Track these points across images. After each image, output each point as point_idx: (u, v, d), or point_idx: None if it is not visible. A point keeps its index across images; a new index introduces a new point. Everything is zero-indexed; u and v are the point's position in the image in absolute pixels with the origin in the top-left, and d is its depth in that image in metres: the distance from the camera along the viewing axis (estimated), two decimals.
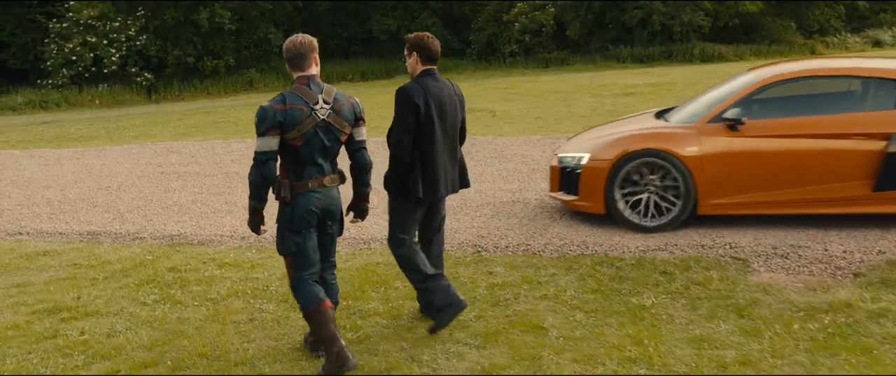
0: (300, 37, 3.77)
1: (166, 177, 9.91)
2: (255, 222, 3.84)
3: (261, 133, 3.64)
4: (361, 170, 3.97)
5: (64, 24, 27.44)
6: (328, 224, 3.89)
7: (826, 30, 32.95)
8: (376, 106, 14.56)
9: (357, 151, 3.94)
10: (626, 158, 5.84)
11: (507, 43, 32.37)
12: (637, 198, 5.89)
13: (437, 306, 4.18)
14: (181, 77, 29.19)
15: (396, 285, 5.08)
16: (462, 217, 6.62)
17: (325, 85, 3.79)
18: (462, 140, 4.43)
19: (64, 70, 27.11)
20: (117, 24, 28.10)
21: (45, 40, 27.88)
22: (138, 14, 28.72)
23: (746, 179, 5.64)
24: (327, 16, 35.26)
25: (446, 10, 36.12)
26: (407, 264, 4.29)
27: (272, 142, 3.64)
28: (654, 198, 5.85)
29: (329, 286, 4.03)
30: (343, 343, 3.73)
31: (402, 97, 4.10)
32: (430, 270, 4.26)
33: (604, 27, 31.46)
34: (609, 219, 6.16)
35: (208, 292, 5.24)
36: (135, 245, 6.70)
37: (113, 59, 27.57)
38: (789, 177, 5.56)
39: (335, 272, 4.12)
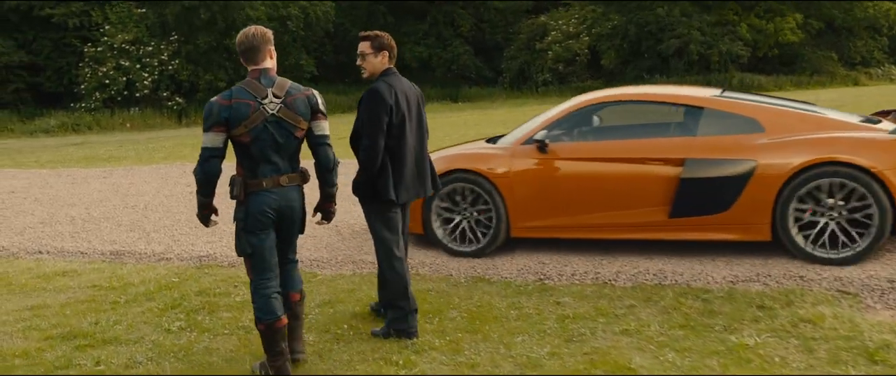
0: (254, 28, 3.63)
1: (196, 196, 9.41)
2: (203, 216, 3.75)
3: (206, 129, 3.54)
4: (325, 167, 3.74)
5: (98, 48, 27.54)
6: (285, 225, 3.70)
7: (868, 61, 32.09)
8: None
9: (318, 146, 3.71)
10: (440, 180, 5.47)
11: (540, 71, 31.91)
12: (454, 223, 5.84)
13: (396, 328, 4.11)
14: None
15: (451, 315, 4.48)
16: (520, 241, 6.01)
17: (279, 78, 3.61)
18: (426, 139, 4.32)
19: (97, 93, 27.16)
20: (150, 48, 28.15)
21: (80, 64, 27.99)
22: (172, 39, 28.77)
23: (553, 202, 5.57)
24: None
25: (478, 37, 35.85)
26: (396, 286, 4.10)
27: (216, 139, 3.51)
28: (469, 222, 5.79)
29: (291, 279, 3.87)
30: (288, 356, 3.68)
31: (374, 97, 3.96)
32: (413, 305, 4.12)
33: (639, 56, 30.90)
34: (687, 245, 5.53)
35: (239, 319, 4.68)
36: (160, 266, 6.18)
37: (145, 82, 27.57)
38: (592, 202, 5.50)
39: (297, 266, 3.95)
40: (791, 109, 5.47)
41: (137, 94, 27.69)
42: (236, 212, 3.65)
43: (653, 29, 29.85)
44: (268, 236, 3.62)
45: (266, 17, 29.94)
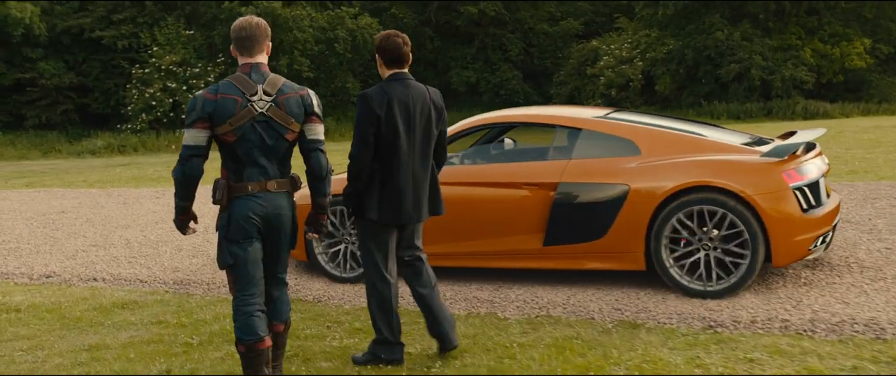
0: (255, 18, 3.37)
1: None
2: (181, 221, 3.44)
3: (188, 124, 3.25)
4: (316, 175, 3.43)
5: (146, 70, 27.35)
6: (273, 236, 3.37)
7: None
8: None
9: (310, 152, 3.41)
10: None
11: (592, 97, 30.91)
12: (335, 248, 5.59)
13: (383, 355, 3.78)
14: None
15: (617, 373, 3.53)
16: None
17: (272, 75, 3.34)
18: (440, 158, 3.92)
19: (143, 115, 26.93)
20: (197, 69, 27.90)
21: (127, 86, 27.83)
22: (218, 60, 28.50)
23: (434, 228, 5.03)
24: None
25: (526, 62, 35.08)
26: (376, 308, 3.76)
27: (199, 136, 3.23)
28: (350, 247, 5.52)
29: (277, 303, 3.51)
30: None
31: (361, 104, 3.59)
32: (396, 336, 3.77)
33: (696, 82, 29.76)
34: None
35: (342, 371, 3.79)
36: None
37: None
38: (468, 228, 5.19)
39: (286, 288, 3.57)
40: (669, 131, 5.11)
41: (183, 116, 27.38)
42: (219, 219, 3.36)
43: (711, 53, 28.74)
44: (252, 246, 3.32)
45: (313, 39, 29.64)
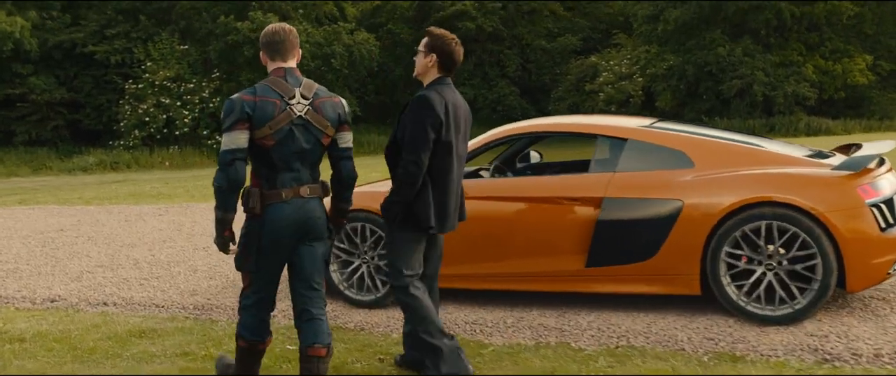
0: (286, 25, 3.35)
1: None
2: (223, 240, 3.27)
3: (227, 127, 3.12)
4: (345, 183, 3.43)
5: (139, 86, 26.82)
6: (307, 242, 3.29)
7: None
8: None
9: (341, 159, 3.39)
10: None
11: (591, 113, 30.63)
12: (350, 268, 5.13)
13: (447, 373, 3.45)
14: None
15: None
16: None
17: (306, 79, 3.28)
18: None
19: (136, 131, 26.40)
20: (191, 85, 27.39)
21: (120, 101, 27.26)
22: (213, 76, 28.00)
23: (463, 247, 4.74)
24: (401, 82, 34.24)
25: (524, 78, 34.81)
26: (417, 311, 3.52)
27: (240, 138, 3.11)
28: (369, 267, 5.05)
29: (316, 322, 3.32)
30: None
31: (423, 106, 3.43)
32: (442, 325, 3.56)
33: (697, 98, 29.56)
34: None
35: None
36: None
37: (185, 120, 26.75)
38: (500, 247, 4.76)
39: (324, 305, 3.39)
40: (725, 141, 4.66)
41: (177, 133, 26.91)
42: (249, 225, 3.24)
43: (712, 69, 28.56)
44: (280, 260, 3.27)
45: (309, 54, 29.16)
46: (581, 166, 5.10)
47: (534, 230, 4.66)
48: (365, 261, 5.10)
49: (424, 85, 3.61)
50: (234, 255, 3.33)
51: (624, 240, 4.41)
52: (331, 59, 29.39)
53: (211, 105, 27.40)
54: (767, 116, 27.82)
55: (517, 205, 4.76)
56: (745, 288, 4.20)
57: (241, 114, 3.12)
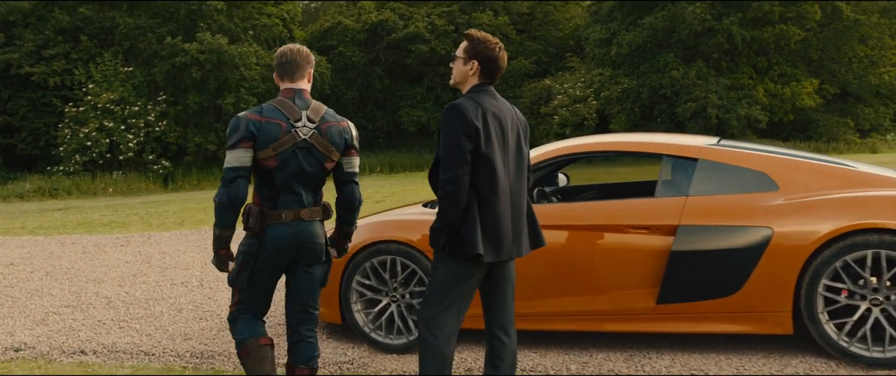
0: (299, 45, 3.34)
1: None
2: (221, 258, 3.27)
3: (231, 145, 3.15)
4: (349, 207, 3.41)
5: (81, 108, 25.47)
6: (303, 264, 3.29)
7: (877, 129, 31.50)
8: (404, 199, 12.96)
9: (346, 184, 3.39)
10: (361, 253, 4.55)
11: (545, 136, 30.54)
12: (378, 307, 4.56)
13: None
14: (200, 165, 27.13)
15: None
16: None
17: (315, 102, 3.29)
18: (529, 184, 3.36)
19: (77, 156, 24.97)
20: (136, 108, 26.17)
21: (59, 125, 25.83)
22: (159, 98, 26.86)
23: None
24: (353, 105, 33.64)
25: None
26: (424, 355, 3.09)
27: (244, 157, 3.13)
28: (399, 307, 4.53)
29: (304, 344, 3.35)
30: None
31: (454, 114, 3.05)
32: None
33: (652, 120, 29.77)
34: None
35: None
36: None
37: (130, 145, 25.51)
38: (556, 282, 4.25)
39: (316, 328, 3.40)
40: (810, 161, 4.26)
41: (121, 158, 25.64)
42: (246, 243, 3.24)
43: (667, 92, 28.85)
44: (273, 280, 3.29)
45: (260, 76, 28.35)
46: (641, 189, 4.62)
47: (595, 263, 4.18)
48: (394, 299, 4.54)
49: (463, 93, 3.23)
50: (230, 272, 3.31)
51: (702, 274, 3.97)
52: None
53: (157, 129, 26.24)
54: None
55: (574, 234, 4.26)
56: (848, 327, 3.79)
57: (245, 133, 3.12)
